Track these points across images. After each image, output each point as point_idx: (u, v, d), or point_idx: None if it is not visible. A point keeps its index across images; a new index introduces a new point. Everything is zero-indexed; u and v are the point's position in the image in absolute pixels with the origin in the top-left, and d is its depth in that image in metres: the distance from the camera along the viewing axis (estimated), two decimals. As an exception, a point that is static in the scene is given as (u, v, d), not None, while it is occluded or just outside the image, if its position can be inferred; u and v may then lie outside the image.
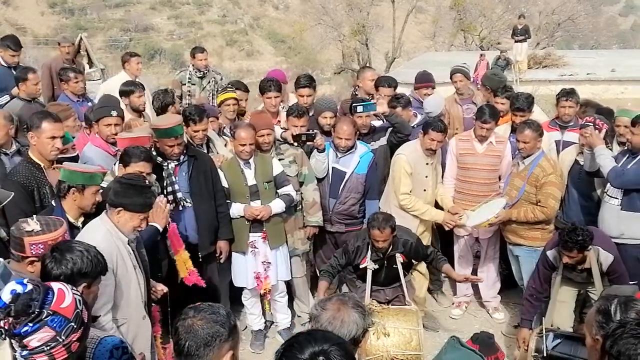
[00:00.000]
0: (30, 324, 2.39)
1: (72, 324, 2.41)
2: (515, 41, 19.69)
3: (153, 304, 4.78)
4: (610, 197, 5.96)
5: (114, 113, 6.12)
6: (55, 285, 2.53)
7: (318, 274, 7.01)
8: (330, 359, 2.18)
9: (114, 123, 6.06)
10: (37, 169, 5.14)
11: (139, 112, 7.40)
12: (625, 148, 6.11)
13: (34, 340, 2.39)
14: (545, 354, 5.28)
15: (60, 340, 2.38)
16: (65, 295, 2.48)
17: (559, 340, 5.49)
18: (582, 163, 6.20)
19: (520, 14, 20.96)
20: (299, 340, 2.27)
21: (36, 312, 2.41)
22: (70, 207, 4.57)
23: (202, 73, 9.38)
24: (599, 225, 5.96)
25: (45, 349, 2.39)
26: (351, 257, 5.85)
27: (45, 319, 2.41)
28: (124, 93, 7.37)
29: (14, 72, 8.33)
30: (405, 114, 7.08)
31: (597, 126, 6.13)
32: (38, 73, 8.09)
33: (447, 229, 6.82)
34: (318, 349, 2.21)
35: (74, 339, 2.42)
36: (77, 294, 2.52)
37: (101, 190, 4.77)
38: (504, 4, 38.76)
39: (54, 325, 2.41)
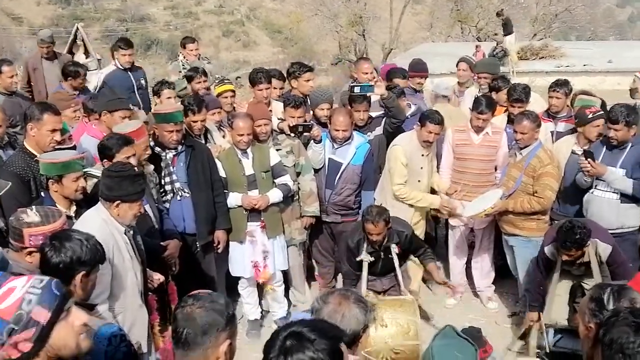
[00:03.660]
0: None
1: (12, 325, 2.33)
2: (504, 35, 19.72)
3: (150, 293, 4.79)
4: (605, 191, 5.98)
5: (130, 106, 6.17)
6: (7, 285, 2.45)
7: (314, 264, 7.08)
8: (301, 339, 2.21)
9: (129, 116, 6.06)
10: (33, 159, 5.11)
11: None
12: (600, 140, 6.14)
13: None
14: (547, 350, 5.32)
15: (3, 340, 2.32)
16: (9, 295, 2.40)
17: (560, 336, 5.53)
18: (579, 152, 6.22)
19: (497, 11, 20.87)
20: (283, 326, 2.32)
21: None
22: (57, 197, 4.58)
23: (189, 65, 9.27)
24: (588, 217, 5.96)
25: None
26: (354, 252, 5.88)
27: None
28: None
29: (130, 74, 8.57)
30: (399, 104, 7.10)
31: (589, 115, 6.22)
32: (14, 66, 8.06)
33: (443, 214, 6.83)
34: (292, 330, 2.25)
35: (19, 340, 2.34)
36: (33, 292, 2.40)
37: (93, 180, 4.79)
38: (501, -6, 38.65)
39: None
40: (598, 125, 6.14)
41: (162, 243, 5.31)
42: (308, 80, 7.41)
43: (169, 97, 7.19)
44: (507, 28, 18.34)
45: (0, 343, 2.33)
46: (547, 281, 5.77)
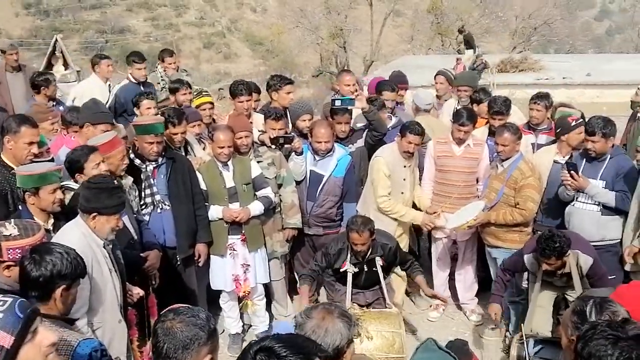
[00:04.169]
0: None
1: None
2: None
3: (129, 308, 4.74)
4: (586, 203, 6.01)
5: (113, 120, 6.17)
6: None
7: (296, 277, 7.03)
8: (271, 355, 2.19)
9: (110, 130, 6.00)
10: (10, 172, 5.05)
11: None
12: (579, 152, 6.20)
13: None
14: None
15: None
16: None
17: (540, 346, 5.52)
18: (561, 162, 6.27)
19: (459, 28, 21.12)
20: (255, 341, 2.31)
21: None
22: (34, 210, 4.53)
23: (167, 78, 9.22)
24: (569, 229, 5.99)
25: None
26: (331, 260, 5.84)
27: None
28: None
29: (142, 88, 8.39)
30: (381, 117, 7.10)
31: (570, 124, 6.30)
32: None
33: (425, 230, 6.85)
34: (263, 345, 2.23)
35: None
36: None
37: (71, 192, 4.73)
38: (481, 8, 38.97)
39: None
40: (580, 133, 6.17)
41: (142, 254, 5.25)
42: (289, 93, 7.38)
43: (148, 108, 7.14)
44: (470, 44, 18.52)
45: None
46: (530, 291, 5.78)
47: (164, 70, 9.34)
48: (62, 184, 4.76)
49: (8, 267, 3.57)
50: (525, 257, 5.66)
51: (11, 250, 3.56)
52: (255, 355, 2.21)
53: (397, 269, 6.56)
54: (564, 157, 6.37)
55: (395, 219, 6.63)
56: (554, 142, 6.69)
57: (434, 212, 6.66)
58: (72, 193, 4.90)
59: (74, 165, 5.03)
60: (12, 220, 3.76)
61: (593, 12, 74.72)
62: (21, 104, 8.55)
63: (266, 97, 7.97)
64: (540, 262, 5.41)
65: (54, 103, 8.06)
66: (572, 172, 5.85)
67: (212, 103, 7.34)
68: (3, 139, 5.22)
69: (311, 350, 2.32)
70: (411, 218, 6.72)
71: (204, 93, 7.61)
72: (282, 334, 2.40)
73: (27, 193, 4.49)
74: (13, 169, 4.98)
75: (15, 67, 9.19)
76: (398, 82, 8.17)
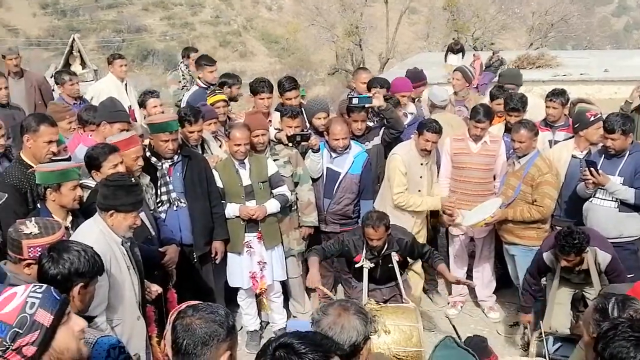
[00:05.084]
0: None
1: (16, 329, 2.34)
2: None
3: (148, 304, 4.76)
4: (604, 199, 5.97)
5: (129, 119, 6.21)
6: (7, 292, 2.48)
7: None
8: (290, 351, 2.20)
9: (127, 129, 6.04)
10: (29, 170, 5.06)
11: None
12: (598, 149, 6.17)
13: None
14: (547, 358, 5.28)
15: (7, 345, 2.34)
16: (11, 300, 2.42)
17: (559, 344, 5.50)
18: (579, 157, 6.24)
19: (454, 40, 21.05)
20: (274, 337, 2.32)
21: None
22: (54, 208, 4.56)
23: (192, 74, 9.24)
24: (587, 226, 5.95)
25: (0, 354, 2.36)
26: (345, 248, 5.82)
27: None
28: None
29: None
30: (398, 114, 7.08)
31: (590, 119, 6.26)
32: (4, 78, 7.87)
33: (446, 218, 6.79)
34: (282, 342, 2.24)
35: (23, 344, 2.35)
36: (35, 296, 2.43)
37: (88, 190, 4.76)
38: (497, 4, 38.82)
39: None
40: (599, 128, 6.13)
41: (160, 249, 5.28)
42: (290, 99, 7.30)
43: (154, 107, 7.13)
44: (461, 51, 18.50)
45: (4, 349, 2.34)
46: (547, 288, 5.75)
47: (187, 67, 9.38)
48: (80, 181, 4.79)
49: (29, 264, 3.60)
50: (544, 254, 5.64)
51: (32, 249, 3.59)
52: (275, 352, 2.22)
53: (414, 266, 6.56)
54: (582, 152, 6.34)
55: (413, 215, 6.60)
56: (571, 138, 6.64)
57: (451, 202, 6.63)
58: (90, 191, 4.93)
59: (92, 161, 5.07)
60: (33, 218, 3.79)
61: (611, 7, 74.11)
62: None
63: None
64: (559, 258, 5.39)
65: (78, 101, 8.11)
66: (591, 169, 5.81)
67: (226, 101, 7.34)
68: (22, 137, 5.26)
69: (330, 348, 2.33)
70: (428, 206, 6.70)
71: (217, 91, 7.62)
72: (300, 331, 2.40)
73: (48, 189, 4.52)
74: (32, 167, 5.01)
75: (17, 73, 8.85)
76: (419, 79, 8.14)
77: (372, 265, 5.79)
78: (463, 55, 16.92)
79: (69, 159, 5.61)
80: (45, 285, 2.51)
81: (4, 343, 2.34)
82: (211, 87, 8.25)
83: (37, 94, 8.86)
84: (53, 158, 5.18)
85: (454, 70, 8.78)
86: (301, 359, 2.18)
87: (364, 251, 5.76)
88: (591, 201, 6.06)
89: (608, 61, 19.66)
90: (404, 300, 5.79)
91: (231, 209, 6.21)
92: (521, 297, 6.16)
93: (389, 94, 7.43)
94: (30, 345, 2.37)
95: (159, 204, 5.86)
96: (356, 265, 5.81)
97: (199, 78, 8.58)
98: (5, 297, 2.44)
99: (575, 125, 6.47)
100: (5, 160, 5.72)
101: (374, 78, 7.90)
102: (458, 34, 35.98)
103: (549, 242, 5.65)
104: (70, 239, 3.87)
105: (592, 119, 6.28)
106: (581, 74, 18.21)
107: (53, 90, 9.17)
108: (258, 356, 2.29)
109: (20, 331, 2.35)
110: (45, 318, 2.41)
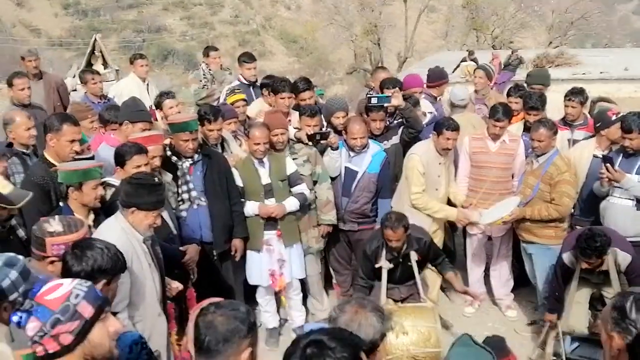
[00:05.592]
0: (19, 313, 2.45)
1: (58, 315, 2.42)
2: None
3: (168, 301, 4.82)
4: (621, 198, 5.95)
5: (151, 119, 6.25)
6: (54, 282, 2.57)
7: (332, 272, 7.08)
8: (322, 348, 2.22)
9: (149, 128, 6.11)
10: (52, 169, 5.14)
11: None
12: (617, 148, 6.13)
13: (29, 330, 2.42)
14: (564, 358, 5.28)
15: (46, 331, 2.41)
16: (57, 288, 2.50)
17: (577, 344, 5.49)
18: (600, 156, 6.20)
19: (469, 51, 21.11)
20: (303, 334, 2.34)
21: (19, 301, 2.47)
22: (76, 206, 4.61)
23: (212, 73, 9.30)
24: (604, 225, 5.93)
25: (37, 339, 2.42)
26: (372, 259, 5.85)
27: (30, 309, 2.45)
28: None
29: (252, 90, 8.20)
30: (417, 113, 7.10)
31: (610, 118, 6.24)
32: (25, 78, 7.83)
33: (460, 226, 6.82)
34: (312, 339, 2.26)
35: (62, 331, 2.42)
36: (80, 289, 2.52)
37: (112, 189, 4.82)
38: (516, 2, 38.64)
39: (38, 315, 2.43)
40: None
41: (181, 248, 5.34)
42: (304, 100, 7.34)
43: (171, 107, 7.17)
44: (475, 59, 18.52)
45: (42, 334, 2.41)
46: (566, 288, 5.75)
47: (207, 67, 9.44)
48: (103, 180, 4.86)
49: (52, 262, 3.65)
50: (564, 255, 5.62)
51: (55, 246, 3.63)
52: (306, 348, 2.24)
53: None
54: (603, 151, 6.30)
55: (430, 215, 6.62)
56: (591, 137, 6.62)
57: (470, 204, 6.65)
58: (113, 189, 4.99)
59: (118, 158, 5.15)
60: (57, 216, 3.85)
61: (631, 5, 73.45)
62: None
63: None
64: (580, 260, 5.37)
65: (102, 101, 8.18)
66: (607, 165, 5.79)
67: (245, 100, 7.38)
68: (45, 137, 5.33)
69: (358, 343, 2.37)
70: (445, 214, 6.70)
71: (236, 90, 7.65)
72: (328, 327, 2.44)
73: (70, 188, 4.58)
74: (55, 166, 5.05)
75: (36, 75, 8.74)
76: (438, 77, 8.15)
77: (392, 266, 5.81)
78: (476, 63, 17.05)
79: (92, 158, 5.68)
80: (90, 282, 2.61)
81: (43, 329, 2.41)
82: (251, 85, 8.31)
83: (56, 95, 8.87)
84: (76, 157, 5.25)
85: (476, 69, 8.79)
86: (333, 354, 2.20)
87: (384, 252, 5.79)
88: (608, 200, 6.04)
89: (628, 59, 19.55)
90: (421, 299, 5.82)
91: (250, 207, 6.25)
92: (545, 302, 6.14)
93: (407, 92, 7.45)
94: (69, 333, 2.44)
95: (180, 202, 5.93)
96: (375, 266, 5.84)
97: (241, 74, 8.60)
98: (52, 286, 2.52)
99: (597, 125, 6.44)
100: (34, 157, 5.79)
101: (386, 79, 7.93)
102: (477, 33, 35.89)
103: (568, 243, 5.63)
104: (92, 236, 3.92)
105: (613, 117, 6.24)
106: (601, 73, 18.12)
107: (74, 90, 9.24)
108: (288, 354, 2.30)
109: (62, 318, 2.43)
110: (86, 310, 2.49)
